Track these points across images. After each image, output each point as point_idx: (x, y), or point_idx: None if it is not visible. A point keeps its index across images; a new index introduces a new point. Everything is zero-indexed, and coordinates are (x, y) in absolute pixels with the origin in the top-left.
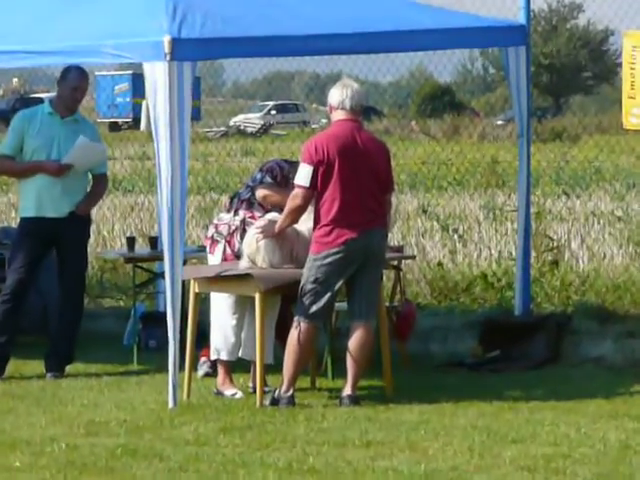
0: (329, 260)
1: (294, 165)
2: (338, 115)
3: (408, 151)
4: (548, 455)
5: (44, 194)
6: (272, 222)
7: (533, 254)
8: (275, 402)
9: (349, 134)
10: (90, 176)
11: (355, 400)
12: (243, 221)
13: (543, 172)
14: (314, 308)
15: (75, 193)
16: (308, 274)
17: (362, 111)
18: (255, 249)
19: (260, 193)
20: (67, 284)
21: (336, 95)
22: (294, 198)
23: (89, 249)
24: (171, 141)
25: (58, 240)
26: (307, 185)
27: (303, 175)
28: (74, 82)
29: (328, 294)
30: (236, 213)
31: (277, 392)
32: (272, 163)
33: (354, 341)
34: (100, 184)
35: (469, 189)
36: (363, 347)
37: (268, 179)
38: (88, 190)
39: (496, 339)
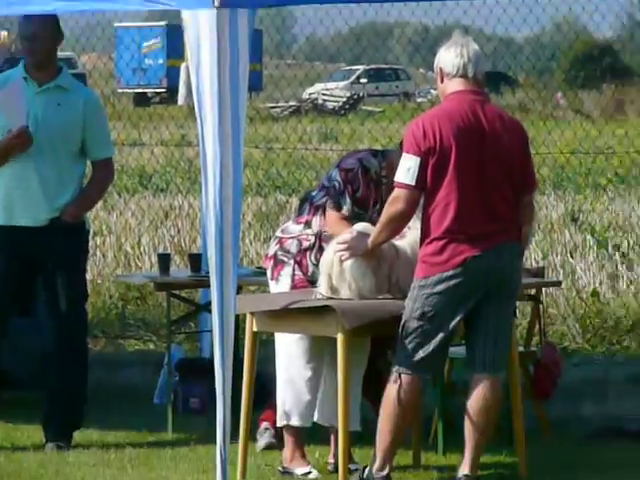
0: (441, 287)
1: (389, 155)
2: (454, 85)
3: (551, 135)
4: None
5: (14, 192)
6: (362, 235)
7: None
8: None
9: (469, 111)
10: (89, 163)
11: None
12: (319, 236)
13: None
14: (420, 354)
15: (59, 189)
16: (413, 307)
17: (485, 80)
18: (339, 273)
19: (327, 222)
20: (57, 321)
21: (450, 57)
22: (394, 202)
23: (92, 270)
24: (220, 120)
25: (38, 258)
26: (412, 183)
27: (406, 169)
28: (23, 29)
29: (440, 335)
30: (307, 225)
31: (367, 471)
32: (352, 160)
33: (475, 400)
34: (100, 175)
35: (637, 189)
36: (488, 409)
37: (346, 200)
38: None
39: None
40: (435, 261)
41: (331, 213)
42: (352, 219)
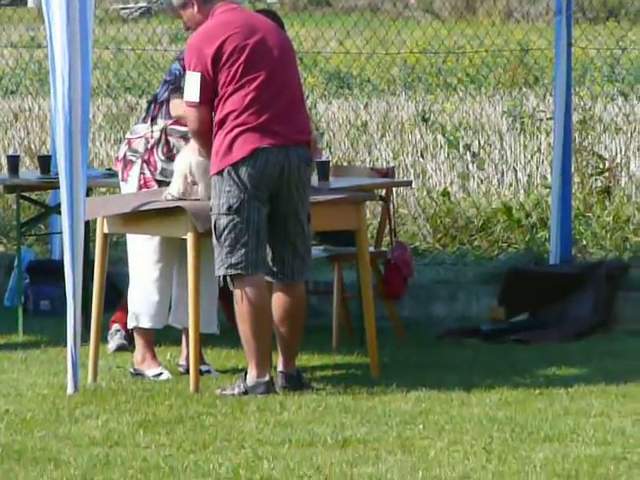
0: (236, 178)
1: None
2: (215, 7)
3: (401, 35)
4: (595, 457)
5: None
6: None
7: (576, 179)
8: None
9: (241, 17)
10: None
11: (292, 378)
12: (164, 131)
13: (590, 64)
14: (243, 250)
15: None
16: (219, 203)
17: None
18: (202, 171)
19: (174, 109)
20: None
21: None
22: (188, 122)
23: None
24: (68, 21)
25: None
26: (197, 100)
27: (190, 86)
28: None
29: (252, 228)
30: (154, 122)
31: (242, 383)
32: None
33: (277, 309)
34: None
35: (487, 89)
36: (289, 315)
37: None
38: None
39: (524, 297)
40: (226, 153)
41: (175, 99)
42: None
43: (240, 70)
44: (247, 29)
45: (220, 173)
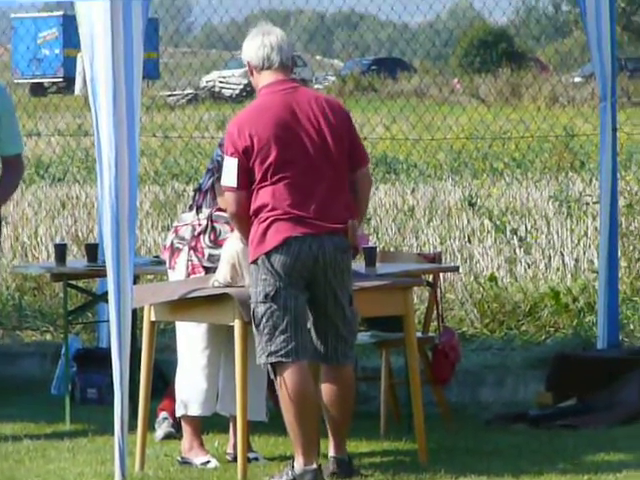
0: (267, 266)
1: None
2: (264, 79)
3: (447, 120)
4: None
5: None
6: None
7: (622, 263)
8: None
9: (282, 102)
10: None
11: (344, 463)
12: (210, 217)
13: (636, 149)
14: (282, 337)
15: None
16: (256, 291)
17: (293, 66)
18: (248, 259)
19: (222, 203)
20: None
21: (254, 49)
22: (227, 205)
23: (0, 261)
24: (115, 109)
25: None
26: (234, 185)
27: (228, 171)
28: None
29: (289, 315)
30: (199, 210)
31: (290, 471)
32: None
33: (325, 392)
34: (12, 170)
35: (533, 173)
36: (338, 399)
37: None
38: None
39: (571, 382)
40: (260, 241)
41: (221, 192)
42: None
43: (271, 170)
44: (284, 117)
45: (255, 262)
